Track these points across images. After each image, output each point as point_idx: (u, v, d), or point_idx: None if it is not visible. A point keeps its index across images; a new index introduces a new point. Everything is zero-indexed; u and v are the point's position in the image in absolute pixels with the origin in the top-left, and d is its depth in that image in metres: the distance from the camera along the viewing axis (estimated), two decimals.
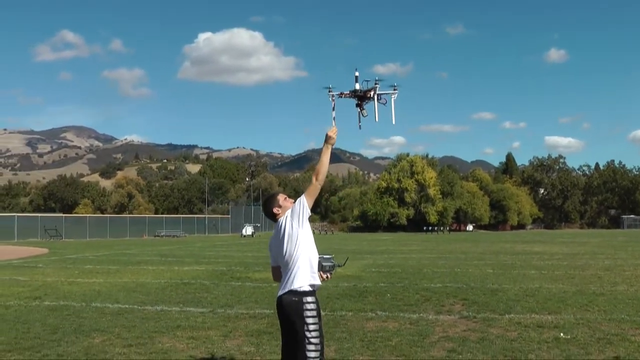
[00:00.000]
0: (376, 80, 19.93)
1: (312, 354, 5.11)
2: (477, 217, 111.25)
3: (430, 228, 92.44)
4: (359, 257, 29.03)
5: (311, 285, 5.26)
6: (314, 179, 5.44)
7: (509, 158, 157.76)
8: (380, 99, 19.47)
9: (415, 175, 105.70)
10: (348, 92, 19.96)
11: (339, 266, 5.86)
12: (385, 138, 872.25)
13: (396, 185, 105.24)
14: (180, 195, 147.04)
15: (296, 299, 5.20)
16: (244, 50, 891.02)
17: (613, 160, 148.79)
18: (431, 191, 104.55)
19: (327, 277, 5.58)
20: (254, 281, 17.89)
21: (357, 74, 20.30)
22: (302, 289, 5.22)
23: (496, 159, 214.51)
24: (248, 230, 76.93)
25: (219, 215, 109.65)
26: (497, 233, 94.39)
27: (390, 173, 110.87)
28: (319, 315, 5.22)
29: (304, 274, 5.26)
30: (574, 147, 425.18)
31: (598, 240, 50.76)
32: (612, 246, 39.70)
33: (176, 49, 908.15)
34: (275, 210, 5.60)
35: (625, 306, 12.61)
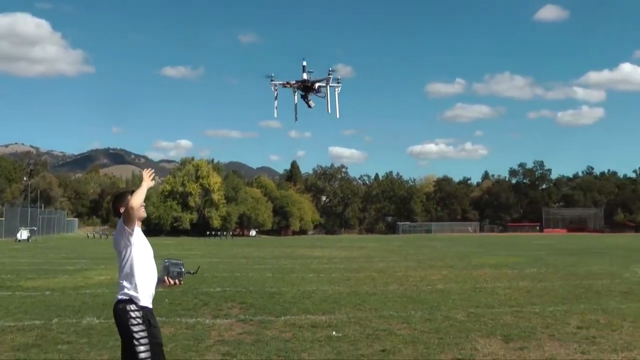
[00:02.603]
0: (330, 71, 19.69)
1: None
2: (260, 222, 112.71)
3: (213, 233, 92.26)
4: None
5: (135, 297, 5.28)
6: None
7: (294, 166, 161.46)
8: (320, 91, 19.43)
9: (200, 180, 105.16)
10: (295, 82, 19.53)
11: (190, 273, 5.83)
12: (171, 141, 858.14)
13: (180, 189, 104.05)
14: None
15: (121, 306, 5.29)
16: (28, 38, 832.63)
17: (391, 172, 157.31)
18: (215, 196, 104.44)
19: (175, 282, 5.61)
20: (26, 290, 16.80)
21: (304, 63, 20.07)
22: (125, 298, 5.29)
23: (281, 166, 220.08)
24: (23, 234, 72.53)
25: None
26: (279, 238, 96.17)
27: (175, 177, 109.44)
28: (147, 323, 5.26)
29: (130, 284, 5.31)
30: (356, 158, 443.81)
31: (375, 245, 53.23)
32: (388, 250, 41.83)
33: None
34: (121, 209, 5.50)
35: (394, 304, 13.40)
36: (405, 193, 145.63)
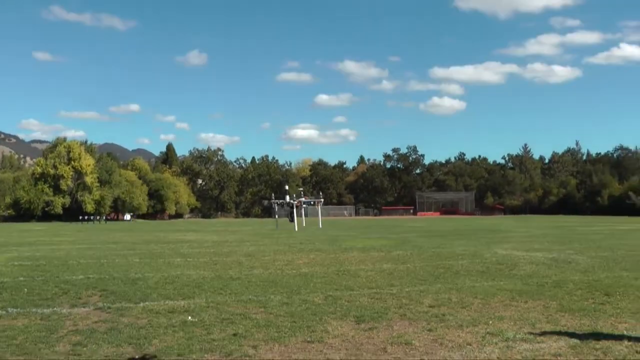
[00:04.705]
0: (321, 195, 46.72)
1: None
2: (135, 206, 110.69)
3: (86, 217, 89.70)
4: (4, 250, 27.30)
5: None
6: None
7: (169, 148, 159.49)
8: (304, 204, 37.48)
9: (73, 162, 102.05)
10: (285, 202, 37.53)
11: None
12: (45, 122, 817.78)
13: (52, 172, 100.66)
14: None
15: None
16: None
17: (267, 155, 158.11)
18: (88, 179, 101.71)
19: None
20: None
21: (287, 187, 39.12)
22: None
23: (157, 149, 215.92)
24: None
25: None
26: (154, 222, 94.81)
27: (46, 158, 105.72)
28: None
29: None
30: (231, 141, 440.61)
31: (249, 229, 53.23)
32: (260, 234, 41.97)
33: None
34: None
35: (256, 288, 13.56)
36: (280, 177, 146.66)
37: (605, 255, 21.74)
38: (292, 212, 29.66)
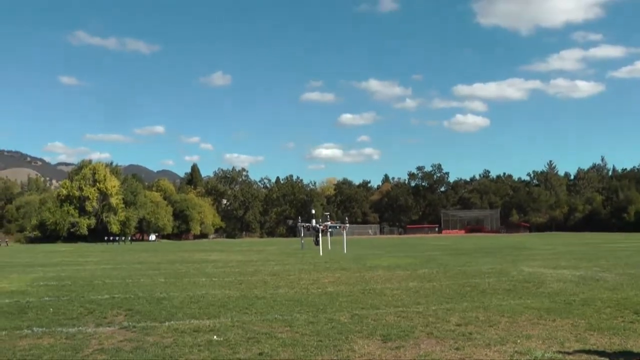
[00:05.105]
0: (346, 220, 39.20)
1: None
2: (160, 226, 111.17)
3: (111, 238, 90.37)
4: (30, 271, 27.45)
5: None
6: None
7: (194, 169, 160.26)
8: (330, 228, 34.61)
9: (98, 184, 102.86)
10: (311, 225, 36.35)
11: None
12: (70, 145, 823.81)
13: (77, 194, 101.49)
14: None
15: None
16: None
17: (292, 175, 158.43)
18: (113, 200, 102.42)
19: None
20: None
21: (313, 211, 37.38)
22: None
23: (182, 170, 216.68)
24: None
25: None
26: (179, 242, 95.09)
27: (72, 180, 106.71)
28: None
29: None
30: (256, 161, 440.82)
31: (274, 248, 53.18)
32: (285, 253, 41.87)
33: None
34: None
35: (281, 307, 13.46)
36: (305, 196, 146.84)
37: (634, 272, 21.41)
38: (317, 236, 30.06)
